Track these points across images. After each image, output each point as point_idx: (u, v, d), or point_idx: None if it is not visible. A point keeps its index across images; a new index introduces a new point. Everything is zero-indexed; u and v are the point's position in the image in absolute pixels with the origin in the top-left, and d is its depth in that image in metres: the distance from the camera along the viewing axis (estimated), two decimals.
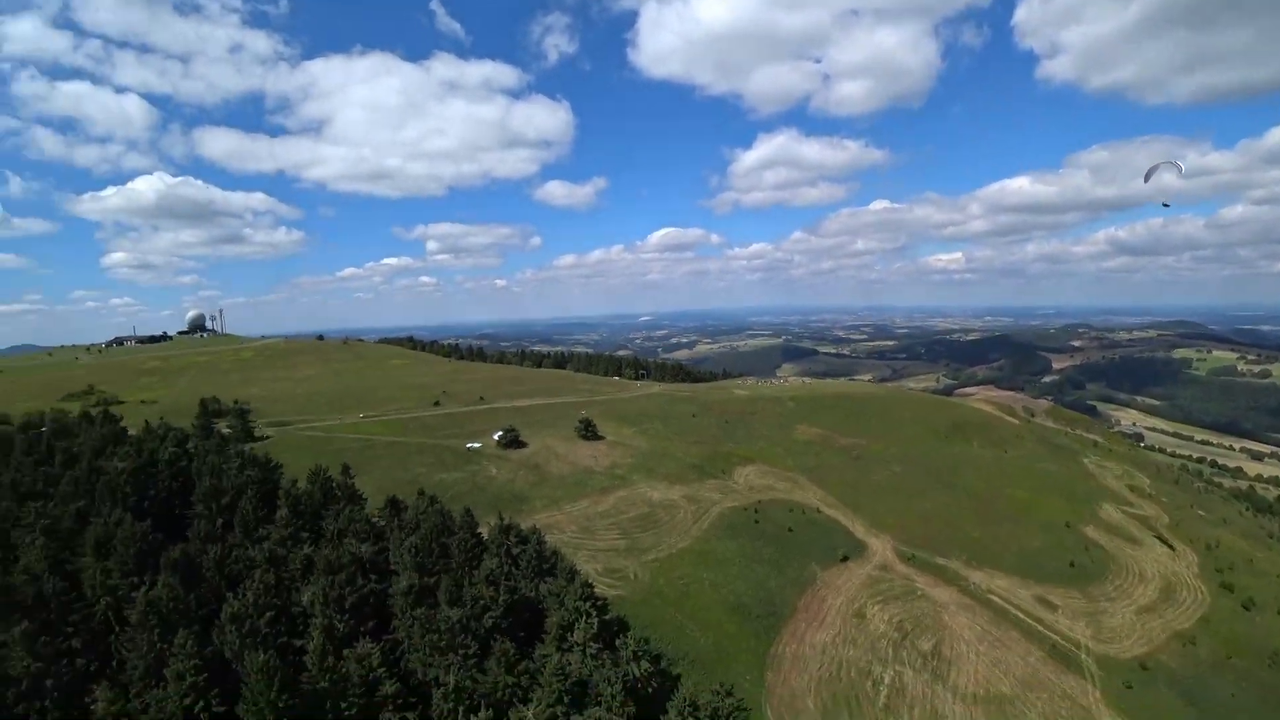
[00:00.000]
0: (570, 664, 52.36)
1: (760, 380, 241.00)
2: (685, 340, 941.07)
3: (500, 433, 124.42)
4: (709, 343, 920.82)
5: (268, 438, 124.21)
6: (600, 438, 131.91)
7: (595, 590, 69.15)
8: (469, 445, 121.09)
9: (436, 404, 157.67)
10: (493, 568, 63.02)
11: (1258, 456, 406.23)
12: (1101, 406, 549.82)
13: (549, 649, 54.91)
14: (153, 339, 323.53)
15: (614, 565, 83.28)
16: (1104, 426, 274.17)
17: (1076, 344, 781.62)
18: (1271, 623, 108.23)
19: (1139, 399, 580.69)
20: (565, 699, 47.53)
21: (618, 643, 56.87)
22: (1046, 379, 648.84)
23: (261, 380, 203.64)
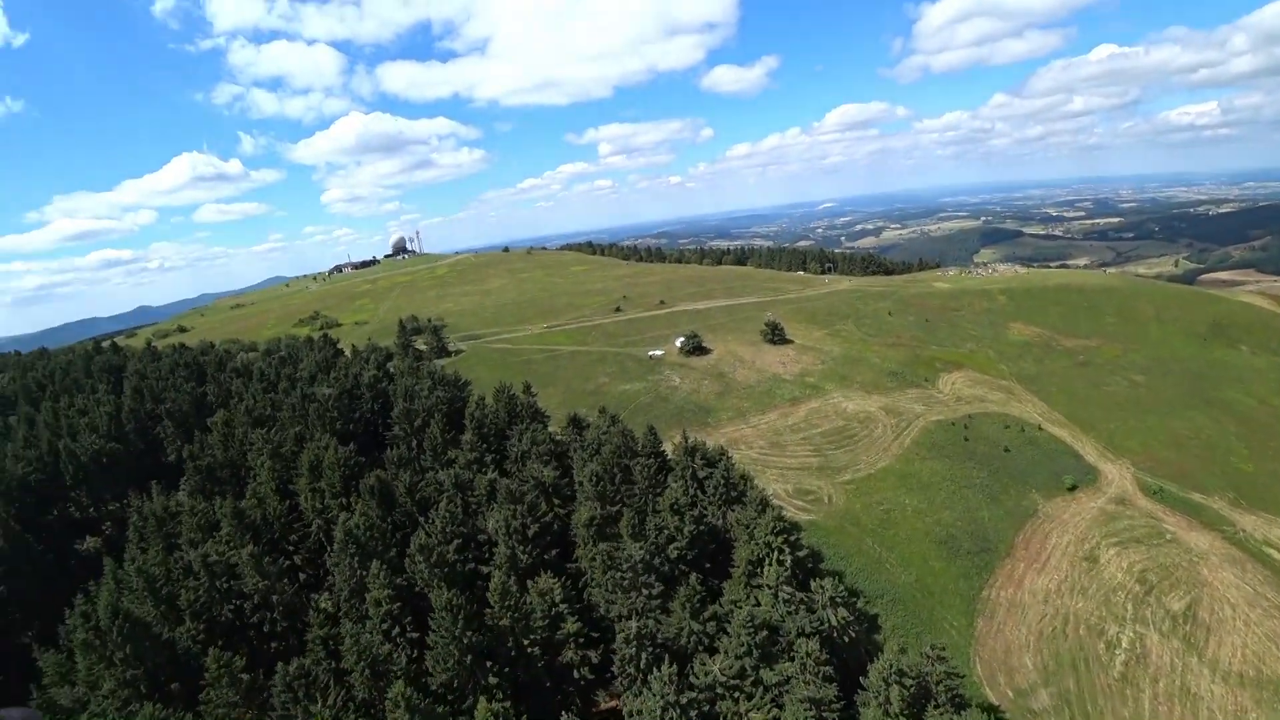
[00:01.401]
0: (760, 607, 47.99)
1: (963, 270, 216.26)
2: (871, 227, 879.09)
3: (682, 339, 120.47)
4: (897, 228, 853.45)
5: (460, 352, 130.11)
6: (788, 341, 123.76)
7: (786, 515, 64.38)
8: (651, 353, 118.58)
9: (617, 310, 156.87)
10: (678, 495, 59.63)
11: None
12: None
13: (737, 590, 50.99)
14: (364, 264, 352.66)
15: (806, 486, 77.57)
16: None
17: None
18: None
19: None
20: (754, 651, 43.38)
21: (813, 585, 51.49)
22: None
23: (454, 295, 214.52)
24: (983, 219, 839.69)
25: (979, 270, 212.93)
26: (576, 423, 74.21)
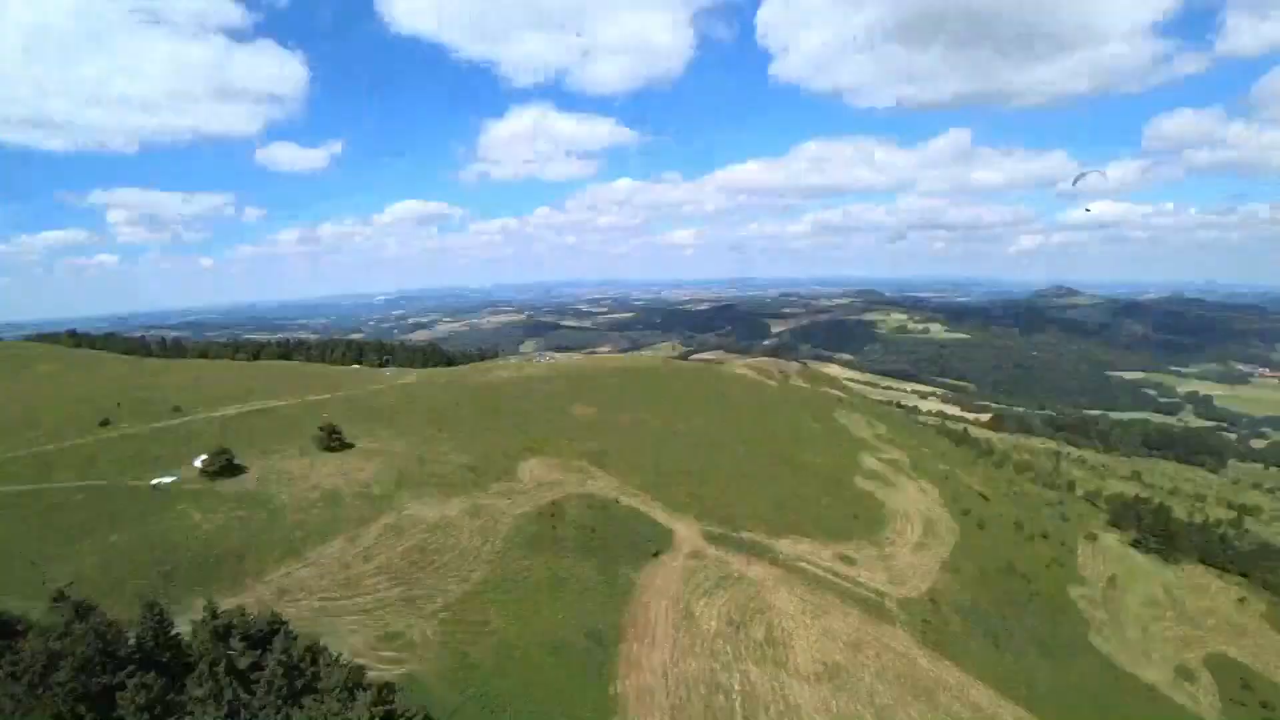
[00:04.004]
0: None
1: (524, 359, 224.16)
2: (426, 320, 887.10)
3: (205, 457, 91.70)
4: (450, 321, 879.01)
5: None
6: (349, 446, 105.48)
7: (374, 676, 48.76)
8: (156, 481, 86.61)
9: (105, 424, 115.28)
10: (206, 709, 39.31)
11: (924, 396, 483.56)
12: (813, 364, 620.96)
13: None
14: None
15: (393, 627, 62.01)
16: (839, 382, 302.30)
17: (788, 310, 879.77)
18: (999, 536, 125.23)
19: (839, 355, 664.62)
20: None
21: None
22: (767, 342, 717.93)
23: None
24: (526, 313, 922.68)
25: (538, 358, 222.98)
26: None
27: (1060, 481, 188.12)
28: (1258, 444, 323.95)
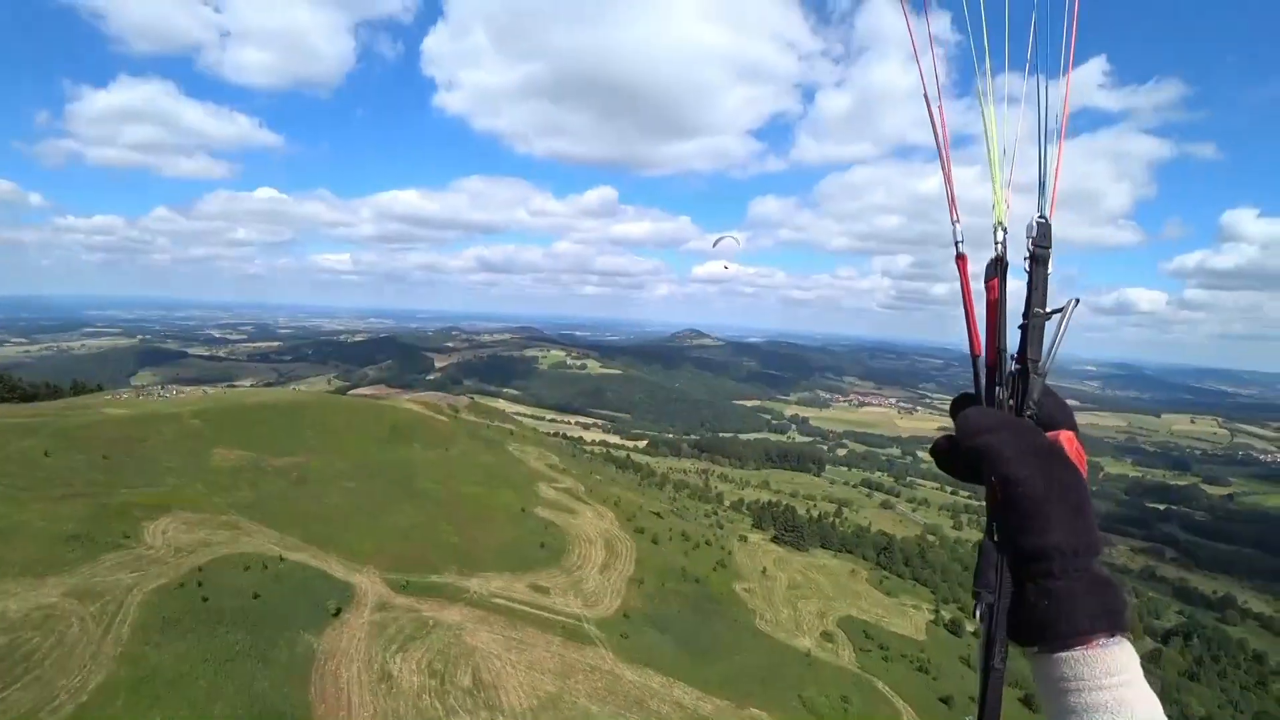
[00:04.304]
0: None
1: (142, 393, 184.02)
2: None
3: None
4: (24, 343, 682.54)
5: None
6: None
7: None
8: None
9: None
10: None
11: (586, 427, 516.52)
12: (480, 399, 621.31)
13: None
14: None
15: None
16: (509, 416, 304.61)
17: (451, 345, 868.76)
18: (671, 548, 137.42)
19: (504, 390, 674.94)
20: None
21: None
22: (430, 377, 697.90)
23: None
24: (140, 337, 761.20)
25: (162, 392, 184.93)
26: None
27: (712, 495, 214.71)
28: (841, 453, 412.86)
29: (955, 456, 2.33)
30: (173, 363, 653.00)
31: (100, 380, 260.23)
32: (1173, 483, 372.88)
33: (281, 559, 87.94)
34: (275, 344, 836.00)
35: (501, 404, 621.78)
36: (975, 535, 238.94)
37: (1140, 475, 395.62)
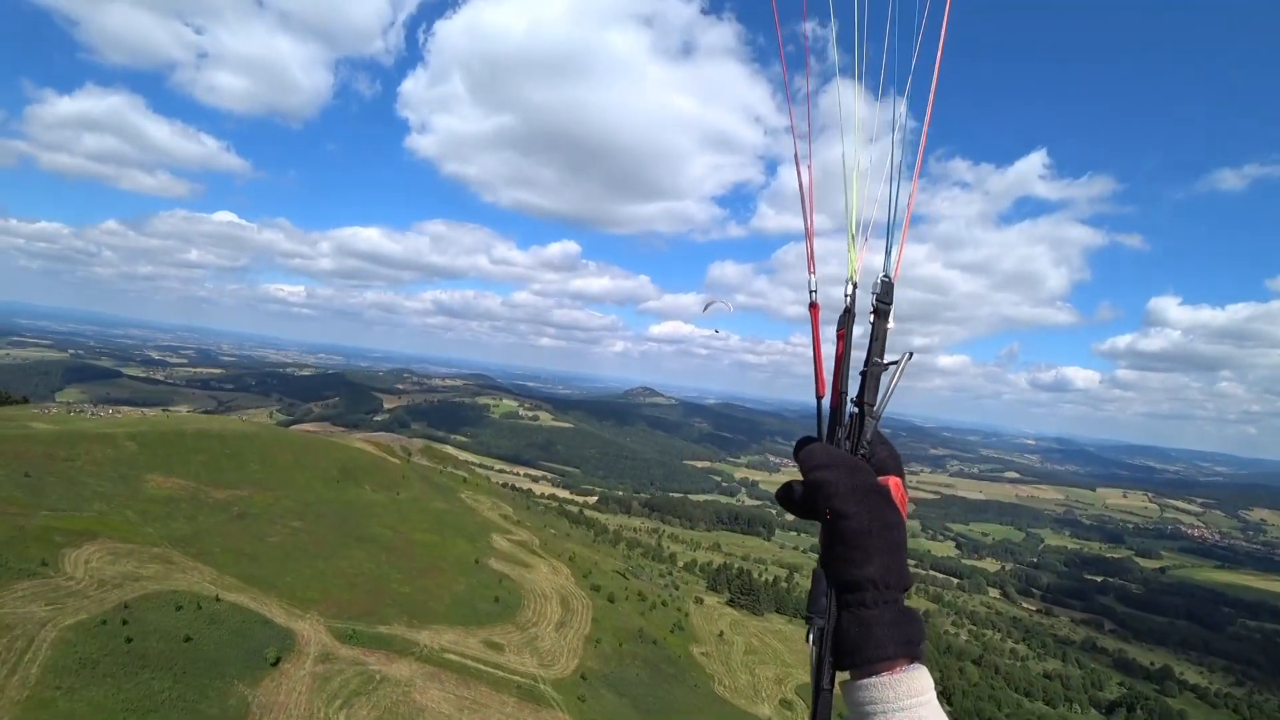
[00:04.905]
0: None
1: (72, 409, 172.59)
2: None
3: None
4: None
5: None
6: None
7: None
8: None
9: None
10: None
11: (535, 479, 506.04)
12: (424, 443, 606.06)
13: None
14: None
15: None
16: (462, 463, 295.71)
17: (401, 387, 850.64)
18: (625, 608, 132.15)
19: (454, 436, 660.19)
20: None
21: None
22: (378, 418, 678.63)
23: None
24: (70, 351, 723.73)
25: (95, 411, 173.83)
26: None
27: (665, 555, 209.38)
28: (789, 518, 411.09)
29: (795, 493, 2.47)
30: (105, 381, 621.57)
31: (24, 392, 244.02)
32: (1108, 555, 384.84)
33: (217, 599, 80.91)
34: (217, 370, 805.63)
35: (450, 450, 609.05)
36: (922, 601, 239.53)
37: (1078, 547, 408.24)
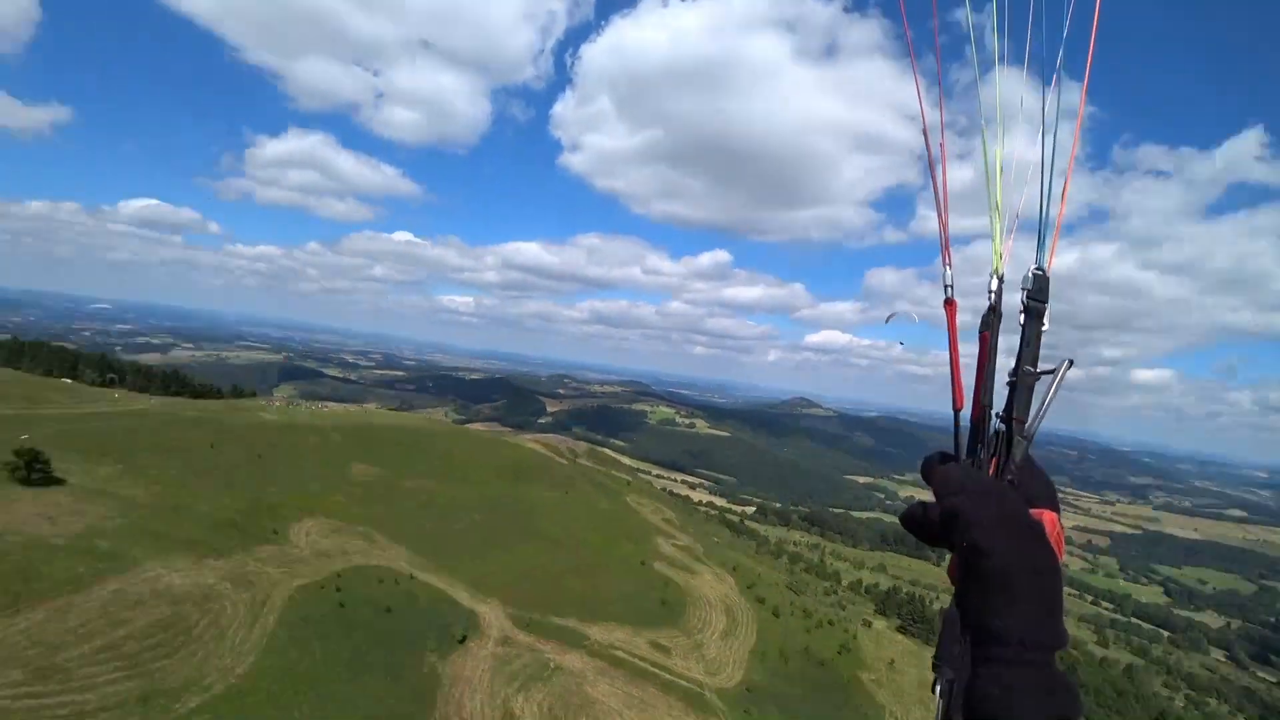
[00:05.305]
0: None
1: (293, 402, 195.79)
2: (158, 342, 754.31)
3: None
4: (191, 348, 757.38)
5: None
6: (58, 482, 79.91)
7: None
8: None
9: None
10: None
11: (692, 486, 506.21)
12: (589, 446, 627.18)
13: None
14: None
15: None
16: (625, 466, 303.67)
17: (562, 391, 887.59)
18: (790, 623, 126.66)
19: (612, 440, 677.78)
20: None
21: None
22: (541, 420, 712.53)
23: None
24: (284, 354, 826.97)
25: (307, 405, 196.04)
26: None
27: (829, 572, 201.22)
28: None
29: (925, 517, 2.07)
30: (310, 379, 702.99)
31: (250, 387, 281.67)
32: None
33: (412, 577, 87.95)
34: (400, 373, 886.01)
35: (610, 453, 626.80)
36: (1123, 654, 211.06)
37: None
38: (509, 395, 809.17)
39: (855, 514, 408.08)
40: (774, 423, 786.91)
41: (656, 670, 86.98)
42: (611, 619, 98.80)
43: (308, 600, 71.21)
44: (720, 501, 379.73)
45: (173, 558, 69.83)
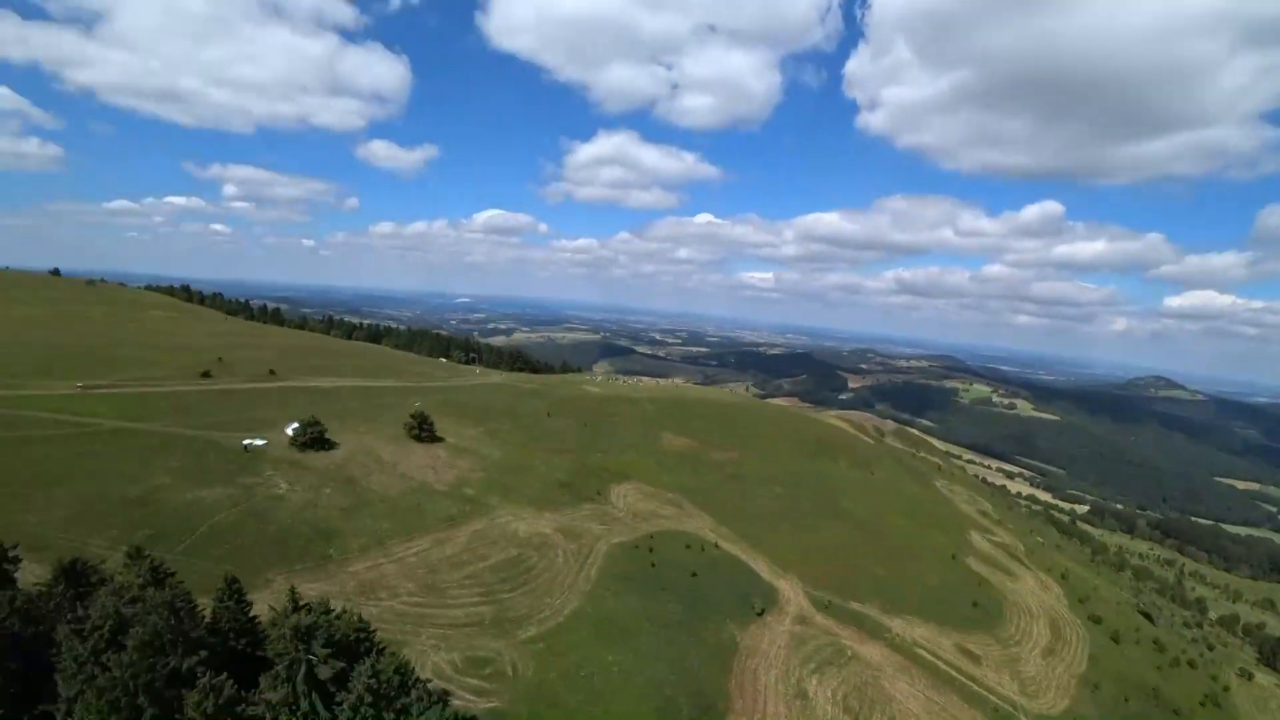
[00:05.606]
0: None
1: (610, 377, 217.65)
2: (503, 327, 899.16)
3: (296, 425, 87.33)
4: (527, 332, 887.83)
5: None
6: (438, 439, 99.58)
7: (459, 708, 41.03)
8: (248, 442, 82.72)
9: (206, 375, 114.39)
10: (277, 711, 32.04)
11: (1010, 475, 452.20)
12: (896, 425, 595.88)
13: None
14: None
15: (479, 651, 53.86)
16: (936, 449, 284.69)
17: (865, 367, 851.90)
18: (1133, 654, 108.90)
19: (918, 420, 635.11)
20: None
21: None
22: (843, 396, 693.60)
23: None
24: (602, 334, 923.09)
25: (623, 379, 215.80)
26: (74, 576, 40.10)
27: (1190, 598, 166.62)
28: None
29: None
30: (623, 356, 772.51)
31: (576, 364, 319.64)
32: None
33: (716, 545, 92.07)
34: (704, 349, 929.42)
35: (918, 434, 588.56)
36: None
37: None
38: (810, 370, 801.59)
39: (1229, 528, 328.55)
40: (1118, 406, 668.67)
41: (963, 678, 79.99)
42: (915, 613, 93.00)
43: (624, 556, 78.73)
44: (1044, 496, 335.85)
45: (519, 508, 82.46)
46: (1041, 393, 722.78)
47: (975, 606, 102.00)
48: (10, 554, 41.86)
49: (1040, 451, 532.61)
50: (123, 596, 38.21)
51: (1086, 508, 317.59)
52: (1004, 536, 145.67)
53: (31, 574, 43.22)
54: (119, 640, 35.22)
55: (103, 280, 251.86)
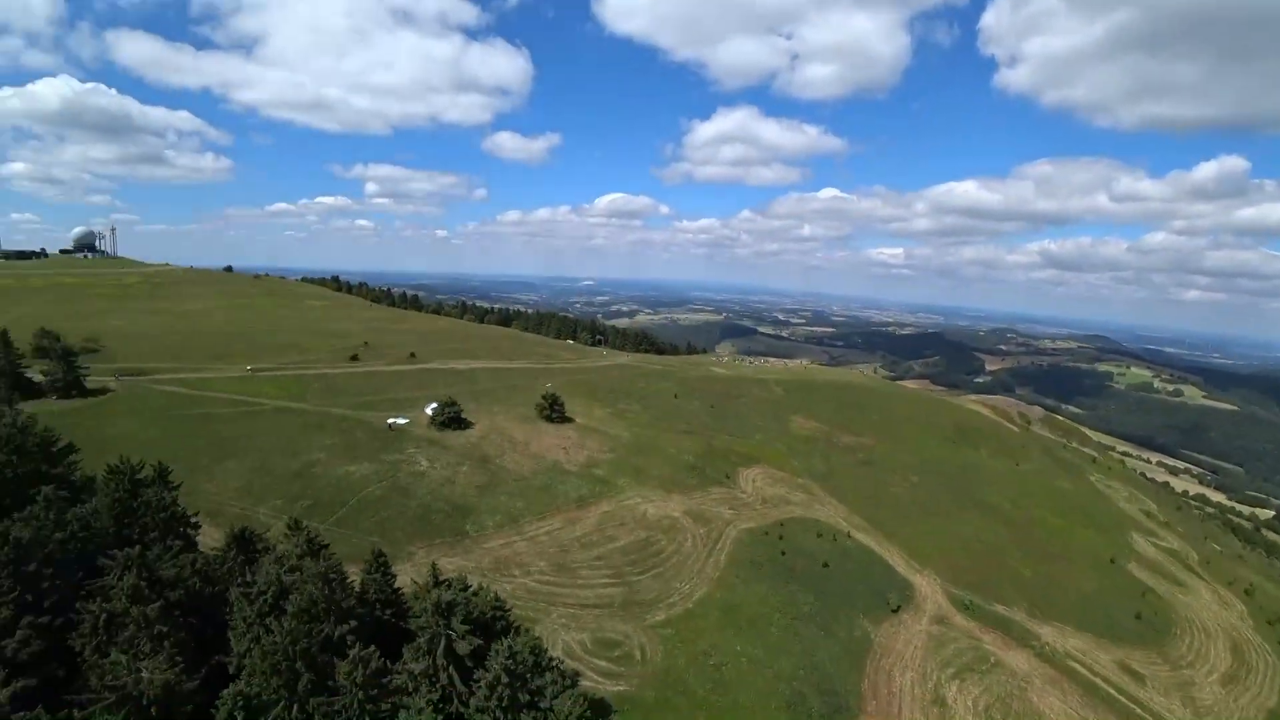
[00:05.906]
0: None
1: (737, 358, 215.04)
2: (626, 309, 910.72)
3: (435, 405, 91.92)
4: (649, 313, 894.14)
5: (107, 391, 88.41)
6: (568, 420, 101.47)
7: (588, 688, 41.15)
8: (391, 421, 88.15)
9: (354, 358, 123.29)
10: (421, 691, 33.04)
11: (1174, 472, 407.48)
12: (1045, 412, 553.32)
13: None
14: (22, 255, 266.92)
15: (609, 633, 54.13)
16: (1090, 440, 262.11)
17: (1004, 348, 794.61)
18: None
19: (1065, 406, 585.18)
20: None
21: None
22: (979, 379, 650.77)
23: (134, 312, 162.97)
24: (724, 315, 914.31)
25: (749, 360, 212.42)
26: (243, 542, 43.61)
27: None
28: None
29: None
30: (746, 337, 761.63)
31: (700, 345, 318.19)
32: None
33: (849, 535, 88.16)
34: (829, 329, 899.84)
35: (1070, 423, 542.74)
36: None
37: None
38: (943, 351, 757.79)
39: None
40: None
41: (1124, 699, 71.83)
42: (1068, 621, 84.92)
43: (754, 543, 76.81)
44: (1216, 496, 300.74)
45: (648, 490, 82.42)
46: (1215, 378, 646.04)
47: (1139, 619, 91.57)
48: (192, 520, 46.06)
49: (1213, 445, 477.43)
50: (284, 565, 41.04)
51: (1272, 513, 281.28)
52: (1173, 541, 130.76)
53: (210, 538, 47.35)
54: (280, 605, 37.81)
55: (267, 274, 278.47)
